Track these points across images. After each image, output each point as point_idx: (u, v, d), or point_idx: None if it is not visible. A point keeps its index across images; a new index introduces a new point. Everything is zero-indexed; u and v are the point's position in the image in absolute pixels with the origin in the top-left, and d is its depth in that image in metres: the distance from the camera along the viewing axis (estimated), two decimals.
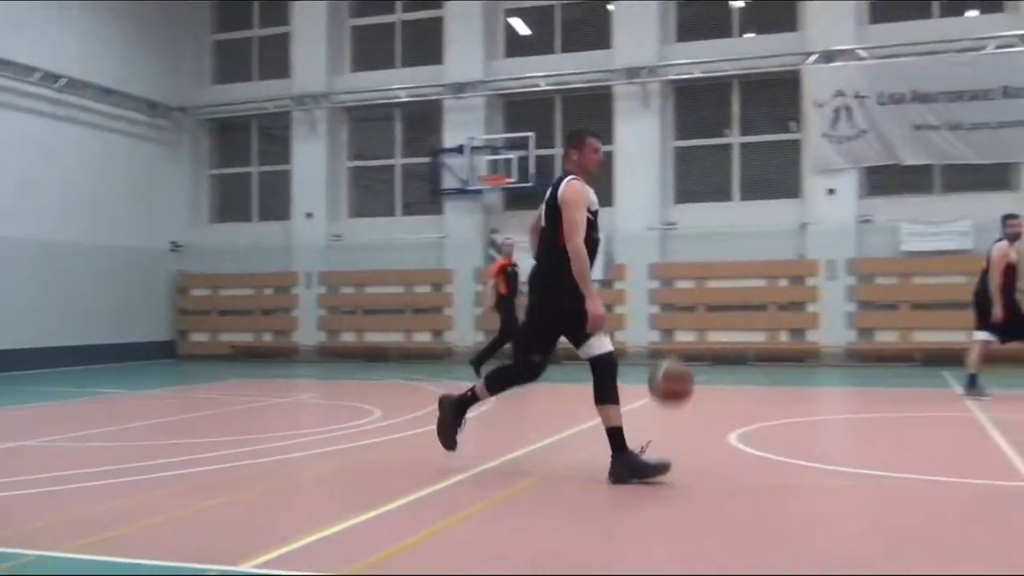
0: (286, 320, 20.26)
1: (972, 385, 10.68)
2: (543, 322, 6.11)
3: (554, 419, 9.50)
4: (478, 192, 18.63)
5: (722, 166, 17.94)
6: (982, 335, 10.81)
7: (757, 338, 17.02)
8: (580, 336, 5.92)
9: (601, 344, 5.89)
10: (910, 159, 16.22)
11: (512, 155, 18.26)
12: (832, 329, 16.51)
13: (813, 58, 16.72)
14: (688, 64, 17.62)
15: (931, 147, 16.07)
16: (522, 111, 19.25)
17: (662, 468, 5.70)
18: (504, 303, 13.57)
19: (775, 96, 17.64)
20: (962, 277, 16.23)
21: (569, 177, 6.08)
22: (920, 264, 16.24)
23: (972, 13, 16.99)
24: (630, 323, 17.71)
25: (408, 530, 4.57)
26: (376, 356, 19.01)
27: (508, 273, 13.69)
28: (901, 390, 12.41)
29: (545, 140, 18.62)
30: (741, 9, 18.15)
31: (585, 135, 6.26)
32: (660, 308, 17.79)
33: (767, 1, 17.93)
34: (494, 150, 18.62)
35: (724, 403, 11.11)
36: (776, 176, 17.50)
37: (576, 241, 5.88)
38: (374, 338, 19.49)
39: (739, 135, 17.87)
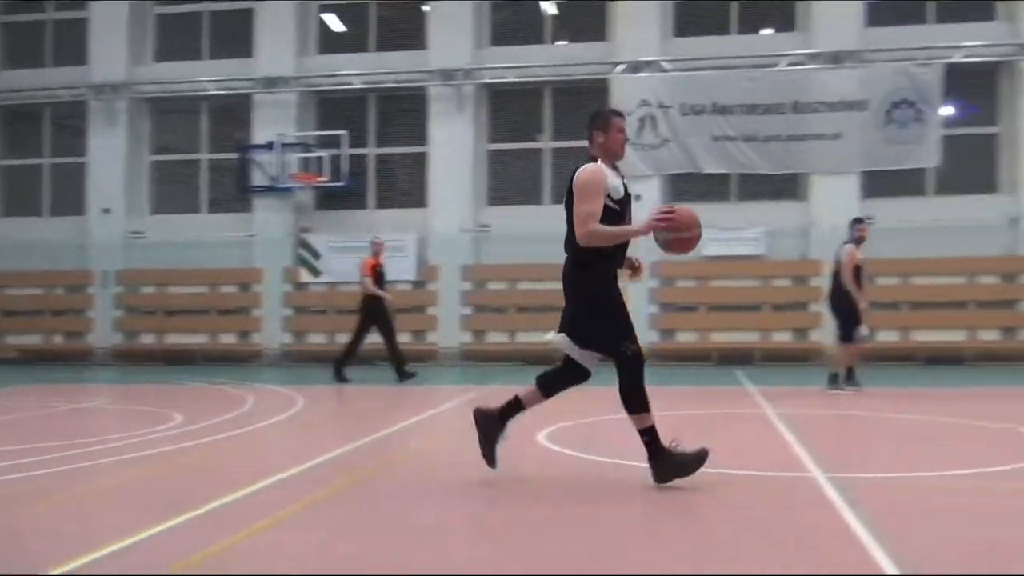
0: (79, 321, 19.13)
1: (849, 380, 11.37)
2: (584, 320, 5.80)
3: (367, 421, 9.35)
4: (288, 190, 18.20)
5: (534, 170, 18.28)
6: (848, 342, 11.35)
7: None
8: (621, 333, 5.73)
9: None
10: (709, 168, 17.06)
11: (324, 153, 17.96)
12: (638, 330, 17.09)
13: (621, 68, 17.30)
14: (502, 68, 17.85)
15: (728, 157, 16.95)
16: (335, 109, 18.96)
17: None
18: (369, 303, 13.29)
19: (586, 103, 18.07)
20: (755, 281, 17.26)
21: (588, 164, 5.66)
22: (718, 268, 17.08)
23: (767, 31, 18.04)
24: (441, 325, 17.75)
25: (210, 538, 4.38)
26: (178, 359, 18.23)
27: (377, 273, 13.43)
28: (698, 388, 12.97)
29: (358, 139, 18.42)
30: (554, 16, 18.55)
31: (611, 116, 5.82)
32: (473, 310, 17.92)
33: (579, 9, 18.40)
34: (306, 148, 18.25)
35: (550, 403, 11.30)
36: None
37: (584, 231, 5.55)
38: (176, 340, 18.69)
39: (551, 140, 18.26)
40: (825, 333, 16.65)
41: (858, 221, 11.69)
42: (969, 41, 16.50)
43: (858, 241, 11.46)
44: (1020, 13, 16.49)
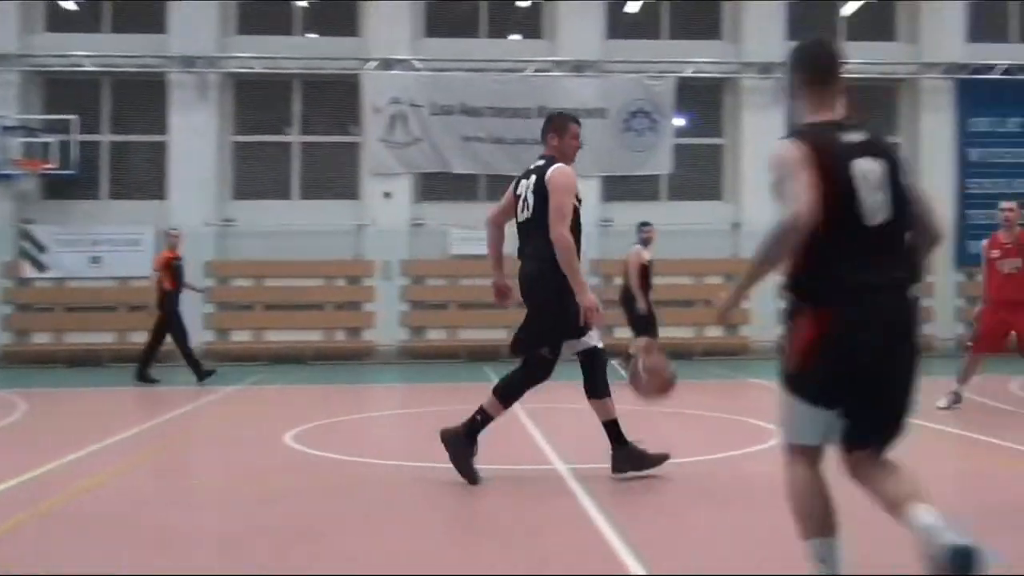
0: None
1: None
2: (549, 324, 5.74)
3: (86, 432, 8.71)
4: (9, 177, 16.72)
5: (282, 164, 17.83)
6: (640, 341, 11.64)
7: (314, 337, 17.13)
8: (579, 331, 5.68)
9: (596, 336, 5.73)
10: (459, 168, 17.32)
11: (52, 139, 16.64)
12: (386, 328, 17.10)
13: (372, 64, 17.21)
14: (249, 58, 17.27)
15: (478, 158, 17.29)
16: (65, 92, 17.61)
17: (660, 459, 5.72)
18: (168, 299, 12.54)
19: (336, 98, 17.89)
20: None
21: (559, 164, 5.65)
22: (467, 266, 17.34)
23: (515, 37, 18.55)
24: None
25: None
26: None
27: (173, 267, 12.64)
28: (448, 385, 13.15)
29: (90, 125, 17.22)
30: (304, 8, 18.17)
31: (568, 120, 5.91)
32: (216, 307, 17.22)
33: (329, 3, 18.13)
34: (30, 132, 16.83)
35: (281, 403, 11.04)
36: (335, 177, 17.76)
37: (561, 229, 5.48)
38: None
39: (300, 134, 17.88)
40: None
41: (644, 224, 12.25)
42: (698, 57, 17.73)
43: (645, 243, 12.02)
44: (743, 34, 17.90)
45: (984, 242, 9.54)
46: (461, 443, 5.73)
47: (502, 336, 17.37)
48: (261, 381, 13.25)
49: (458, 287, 17.46)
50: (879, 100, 18.56)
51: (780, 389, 3.26)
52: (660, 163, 17.57)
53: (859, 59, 17.70)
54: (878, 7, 18.58)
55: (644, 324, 11.83)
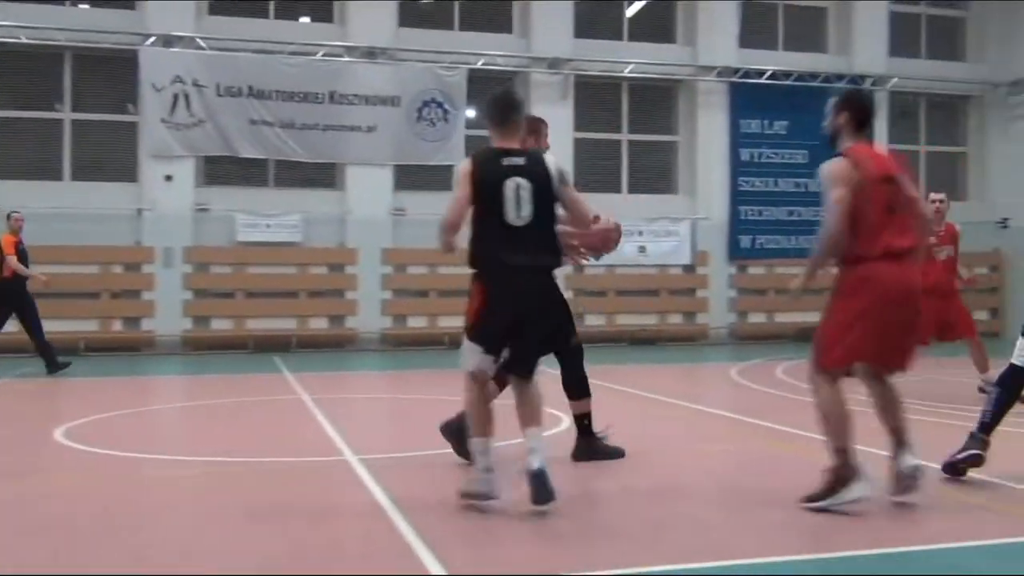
0: None
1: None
2: (568, 315, 5.88)
3: None
4: None
5: (52, 143, 16.68)
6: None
7: (90, 327, 16.18)
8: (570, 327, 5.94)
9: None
10: (246, 152, 16.81)
11: None
12: (168, 317, 16.38)
13: (151, 40, 16.39)
14: (12, 27, 16.04)
15: (266, 142, 16.84)
16: None
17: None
18: (10, 286, 11.87)
19: (112, 74, 16.92)
20: (292, 268, 17.36)
21: (548, 154, 5.26)
22: (254, 254, 16.91)
23: (305, 20, 18.17)
24: None
25: None
26: None
27: (19, 252, 11.91)
28: (235, 376, 12.79)
29: None
30: None
31: (543, 123, 6.35)
32: None
33: None
34: None
35: (51, 397, 10.40)
36: (111, 158, 16.81)
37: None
38: None
39: (71, 111, 16.80)
40: (359, 321, 17.30)
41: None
42: (489, 50, 18.01)
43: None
44: (532, 29, 18.33)
45: None
46: (591, 445, 6.13)
47: (292, 326, 17.12)
48: (30, 373, 12.41)
49: (245, 275, 16.97)
50: (660, 99, 19.51)
51: (464, 336, 4.76)
52: (453, 154, 17.70)
53: (641, 59, 18.62)
54: (659, 9, 19.48)
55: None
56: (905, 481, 4.77)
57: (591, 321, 18.29)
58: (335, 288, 17.53)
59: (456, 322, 16.71)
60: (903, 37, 20.30)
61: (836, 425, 4.73)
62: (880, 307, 4.74)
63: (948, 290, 9.40)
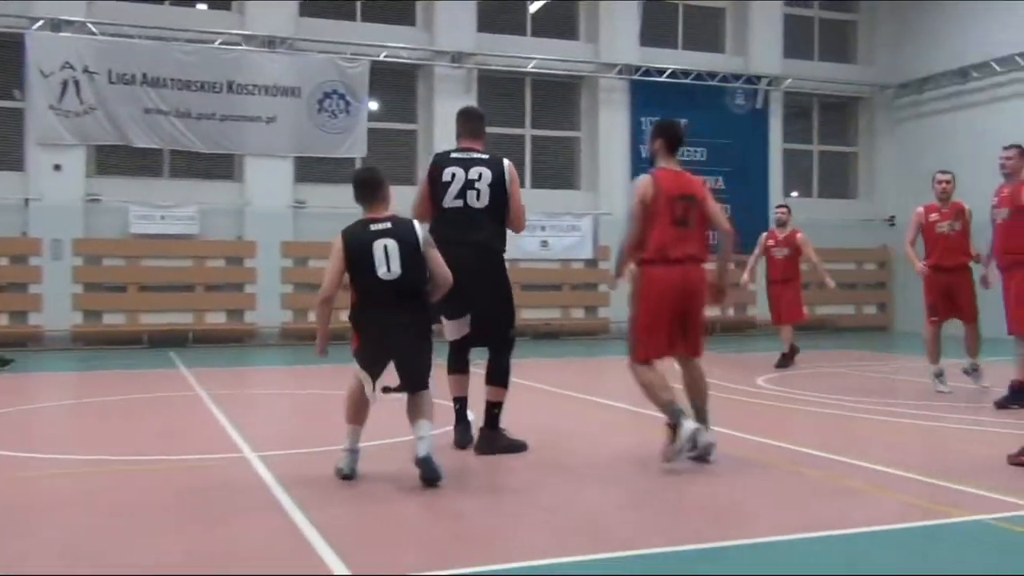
0: None
1: None
2: (511, 307, 6.43)
3: None
4: None
5: None
6: None
7: None
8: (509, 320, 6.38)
9: None
10: (140, 141, 16.33)
11: None
12: (57, 311, 15.82)
13: (39, 24, 15.79)
14: None
15: (161, 132, 16.39)
16: None
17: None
18: None
19: None
20: (188, 261, 16.95)
21: (505, 159, 6.41)
22: (149, 247, 16.46)
23: (202, 7, 17.76)
24: None
25: None
26: None
27: None
28: (128, 372, 12.44)
29: None
30: None
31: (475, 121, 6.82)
32: None
33: None
34: None
35: None
36: None
37: (524, 221, 6.43)
38: None
39: None
40: (259, 315, 16.99)
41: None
42: (392, 42, 17.88)
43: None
44: (436, 23, 18.27)
45: (920, 209, 9.66)
46: (496, 439, 6.25)
47: (188, 320, 16.71)
48: None
49: (139, 268, 16.50)
50: (563, 96, 19.68)
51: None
52: (355, 146, 17.56)
53: (544, 55, 18.74)
54: (562, 7, 19.64)
55: None
56: (699, 451, 5.65)
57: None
58: (233, 282, 17.20)
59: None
60: (797, 39, 20.92)
61: (654, 392, 5.73)
62: (658, 306, 5.74)
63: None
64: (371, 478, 5.46)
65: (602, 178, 19.31)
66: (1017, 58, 17.88)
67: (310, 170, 17.55)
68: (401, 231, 5.43)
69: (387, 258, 5.30)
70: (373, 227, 5.41)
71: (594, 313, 19.30)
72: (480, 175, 6.24)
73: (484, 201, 6.22)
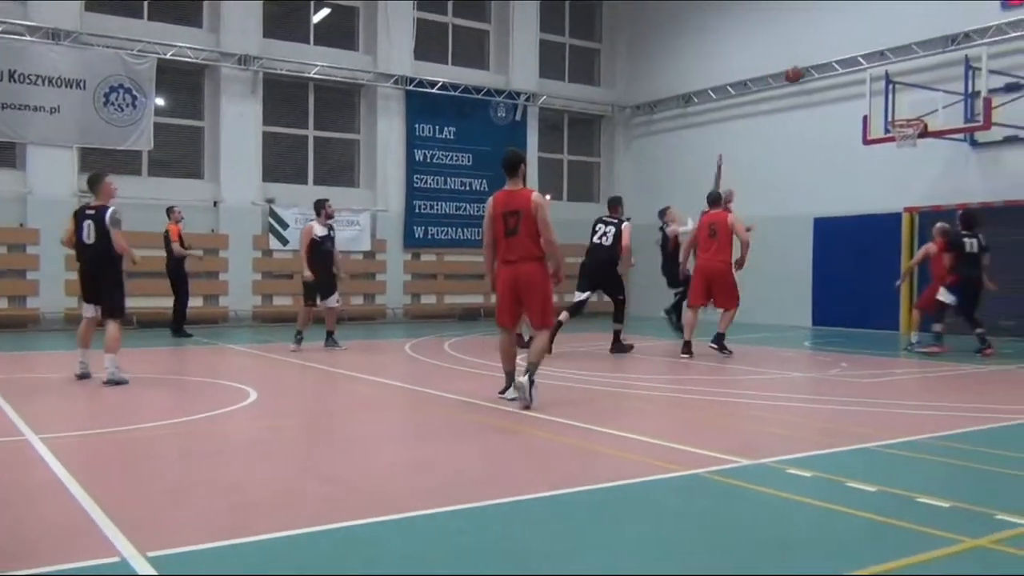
0: None
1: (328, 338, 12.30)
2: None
3: None
4: None
5: None
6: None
7: None
8: None
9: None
10: None
11: None
12: None
13: None
14: None
15: None
16: None
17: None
18: None
19: None
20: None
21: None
22: None
23: None
24: None
25: None
26: None
27: None
28: None
29: None
30: None
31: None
32: None
33: None
34: None
35: None
36: None
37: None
38: None
39: None
40: (41, 301, 15.64)
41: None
42: (179, 42, 16.92)
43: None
44: (221, 24, 17.44)
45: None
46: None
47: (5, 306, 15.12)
48: None
49: None
50: (344, 101, 19.35)
51: None
52: (141, 140, 16.50)
53: (326, 63, 18.35)
54: (343, 19, 19.29)
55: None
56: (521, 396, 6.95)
57: (279, 301, 17.88)
58: (15, 268, 15.75)
59: (145, 302, 15.62)
60: (551, 62, 21.64)
61: (503, 357, 7.42)
62: (502, 292, 7.24)
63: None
64: (154, 457, 5.17)
65: (379, 178, 19.18)
66: (728, 87, 19.34)
67: (96, 161, 16.31)
68: (94, 210, 8.42)
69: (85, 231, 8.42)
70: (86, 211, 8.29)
71: (372, 300, 19.16)
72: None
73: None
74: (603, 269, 11.75)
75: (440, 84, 19.49)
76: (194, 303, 16.77)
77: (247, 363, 11.01)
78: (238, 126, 17.62)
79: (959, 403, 7.47)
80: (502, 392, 7.31)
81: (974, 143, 15.08)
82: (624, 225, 11.82)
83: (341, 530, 3.71)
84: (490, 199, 7.25)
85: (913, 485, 4.48)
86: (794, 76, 17.49)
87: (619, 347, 11.84)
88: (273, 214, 17.91)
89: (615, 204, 12.31)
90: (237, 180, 17.61)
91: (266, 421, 6.53)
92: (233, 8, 17.45)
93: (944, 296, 11.65)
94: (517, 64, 20.74)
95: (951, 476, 4.85)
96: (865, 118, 14.49)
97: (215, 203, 17.45)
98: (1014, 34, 14.46)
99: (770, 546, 3.55)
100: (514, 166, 7.22)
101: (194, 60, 17.25)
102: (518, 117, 20.71)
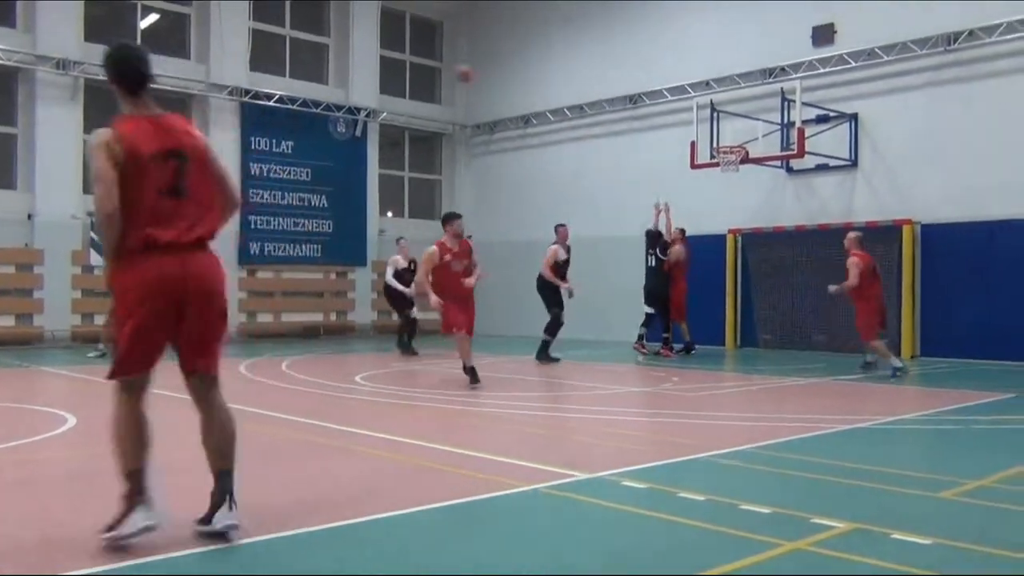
0: None
1: None
2: None
3: None
4: None
5: None
6: None
7: None
8: None
9: None
10: None
11: None
12: None
13: None
14: None
15: None
16: None
17: None
18: None
19: None
20: None
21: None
22: None
23: None
24: None
25: None
26: None
27: None
28: None
29: None
30: None
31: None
32: None
33: None
34: None
35: None
36: None
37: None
38: None
39: None
40: (47, 319, 14.09)
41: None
42: None
43: None
44: (36, 26, 16.36)
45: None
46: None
47: None
48: None
49: None
50: (176, 111, 18.41)
51: None
52: None
53: (156, 71, 17.48)
54: (173, 25, 18.52)
55: None
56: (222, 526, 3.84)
57: (102, 321, 16.88)
58: (22, 288, 14.74)
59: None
60: (392, 79, 21.55)
61: (125, 444, 3.96)
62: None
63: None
64: (17, 481, 4.74)
65: None
66: (566, 110, 19.87)
67: None
68: None
69: None
70: None
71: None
72: None
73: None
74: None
75: (277, 97, 19.02)
76: (3, 323, 15.70)
77: (64, 387, 10.29)
78: (55, 134, 16.54)
79: (781, 413, 7.92)
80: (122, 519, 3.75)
81: (790, 170, 16.13)
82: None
83: (165, 561, 3.50)
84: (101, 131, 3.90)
85: (738, 493, 4.69)
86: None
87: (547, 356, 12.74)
88: (96, 228, 16.90)
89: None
90: (54, 192, 16.50)
91: (86, 449, 6.11)
92: (49, 9, 16.41)
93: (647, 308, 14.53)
94: (357, 79, 20.53)
95: (772, 483, 5.12)
96: (693, 143, 15.23)
97: (29, 216, 16.30)
98: (823, 70, 15.62)
99: (607, 557, 3.62)
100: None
101: (5, 62, 16.10)
102: (358, 133, 20.48)
